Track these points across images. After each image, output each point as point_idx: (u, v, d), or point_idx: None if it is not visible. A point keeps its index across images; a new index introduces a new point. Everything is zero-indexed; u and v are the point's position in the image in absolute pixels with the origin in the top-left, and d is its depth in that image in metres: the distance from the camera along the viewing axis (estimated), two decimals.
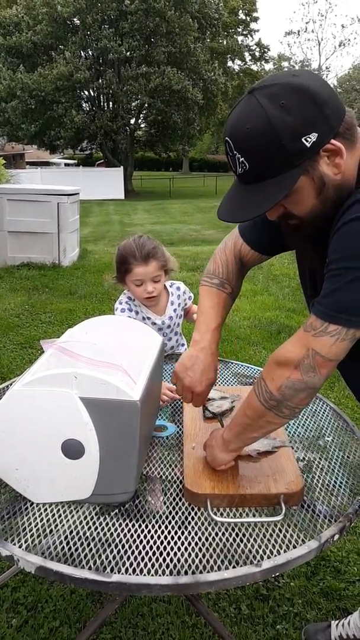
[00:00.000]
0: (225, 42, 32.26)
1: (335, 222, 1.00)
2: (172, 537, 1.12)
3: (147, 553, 1.08)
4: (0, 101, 25.01)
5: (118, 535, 1.13)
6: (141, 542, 1.11)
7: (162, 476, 1.34)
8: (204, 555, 1.07)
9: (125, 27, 23.81)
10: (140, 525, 1.16)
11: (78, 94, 26.40)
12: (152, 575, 1.02)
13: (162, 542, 1.11)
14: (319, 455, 1.44)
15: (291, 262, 6.59)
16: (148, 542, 1.11)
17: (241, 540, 1.11)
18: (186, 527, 1.15)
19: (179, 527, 1.15)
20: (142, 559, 1.06)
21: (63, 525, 1.16)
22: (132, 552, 1.08)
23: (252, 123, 0.94)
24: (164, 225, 13.38)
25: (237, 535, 1.13)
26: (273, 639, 1.72)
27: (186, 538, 1.12)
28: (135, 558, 1.06)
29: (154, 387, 1.36)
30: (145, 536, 1.12)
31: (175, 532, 1.14)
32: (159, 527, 1.15)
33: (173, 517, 1.18)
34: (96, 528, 1.15)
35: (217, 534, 1.13)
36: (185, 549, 1.09)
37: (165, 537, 1.12)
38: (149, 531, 1.14)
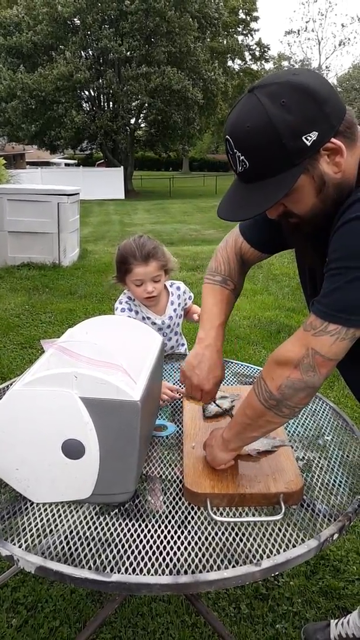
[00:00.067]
0: (225, 42, 32.26)
1: (335, 220, 1.00)
2: (172, 537, 1.12)
3: (146, 553, 1.08)
4: (0, 101, 25.00)
5: (118, 535, 1.13)
6: (141, 541, 1.11)
7: (162, 476, 1.34)
8: (203, 555, 1.07)
9: (126, 27, 23.80)
10: (140, 525, 1.16)
11: (78, 94, 26.39)
12: (152, 574, 1.02)
13: (161, 542, 1.11)
14: (318, 455, 1.44)
15: (291, 261, 6.60)
16: (148, 541, 1.11)
17: (241, 540, 1.11)
18: (186, 527, 1.15)
19: (179, 527, 1.15)
20: (142, 558, 1.06)
21: (63, 525, 1.16)
22: (132, 552, 1.08)
23: (252, 121, 0.94)
24: (164, 225, 13.37)
25: (236, 534, 1.13)
26: (272, 638, 1.73)
27: (186, 538, 1.12)
28: (135, 558, 1.06)
29: (154, 387, 1.36)
30: (145, 536, 1.13)
31: (175, 532, 1.14)
32: (159, 526, 1.15)
33: (173, 517, 1.19)
34: (96, 528, 1.15)
35: (216, 534, 1.13)
36: (185, 548, 1.09)
37: (165, 537, 1.12)
38: (149, 531, 1.14)
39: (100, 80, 25.79)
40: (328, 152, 0.97)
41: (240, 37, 39.81)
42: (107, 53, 24.69)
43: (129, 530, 1.14)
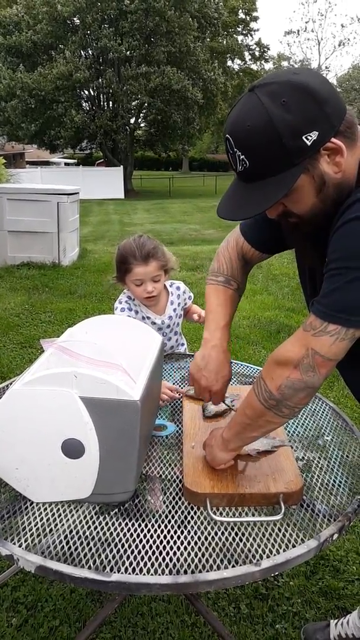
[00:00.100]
0: (225, 42, 32.25)
1: (335, 220, 1.00)
2: (172, 537, 1.12)
3: (146, 552, 1.08)
4: (0, 100, 24.99)
5: (118, 535, 1.13)
6: (141, 541, 1.11)
7: (161, 475, 1.34)
8: (203, 555, 1.07)
9: (125, 27, 23.79)
10: (139, 525, 1.16)
11: (78, 94, 26.40)
12: (152, 574, 1.02)
13: (161, 542, 1.11)
14: (318, 455, 1.44)
15: (290, 261, 6.60)
16: (147, 541, 1.11)
17: (240, 540, 1.11)
18: (185, 527, 1.15)
19: (179, 527, 1.15)
20: (142, 558, 1.06)
21: (63, 524, 1.16)
22: (132, 552, 1.08)
23: (252, 121, 0.94)
24: (163, 225, 13.37)
25: (236, 534, 1.13)
26: (272, 638, 1.73)
27: (185, 537, 1.12)
28: (135, 557, 1.06)
29: (153, 387, 1.36)
30: (144, 535, 1.13)
31: (175, 532, 1.14)
32: (159, 526, 1.15)
33: (172, 517, 1.19)
34: (96, 527, 1.15)
35: (216, 534, 1.13)
36: (185, 548, 1.09)
37: (165, 537, 1.12)
38: (149, 530, 1.14)
39: (100, 80, 25.79)
40: (328, 152, 0.97)
41: (240, 37, 39.85)
42: (107, 52, 24.70)
43: (128, 530, 1.14)
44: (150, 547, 1.09)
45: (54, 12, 23.48)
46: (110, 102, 27.39)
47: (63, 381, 1.12)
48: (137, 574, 1.02)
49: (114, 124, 26.28)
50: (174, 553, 1.08)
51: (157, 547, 1.09)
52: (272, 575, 1.20)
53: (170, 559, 1.06)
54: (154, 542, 1.11)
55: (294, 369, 1.04)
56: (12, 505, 1.22)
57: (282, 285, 6.16)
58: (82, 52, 25.64)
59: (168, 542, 1.11)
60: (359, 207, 0.96)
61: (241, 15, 39.25)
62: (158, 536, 1.12)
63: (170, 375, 1.90)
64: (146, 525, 1.16)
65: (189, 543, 1.10)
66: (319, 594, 1.91)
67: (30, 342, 4.33)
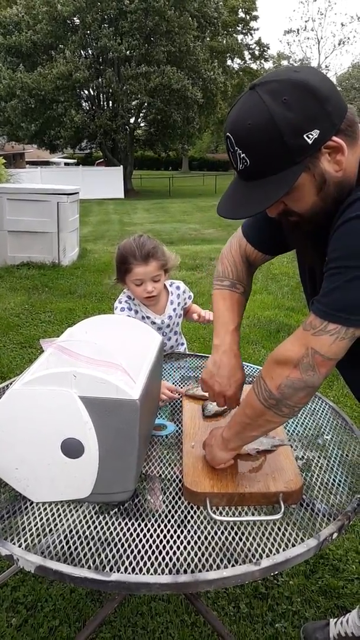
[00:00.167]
0: (224, 41, 32.24)
1: (335, 219, 1.00)
2: (172, 536, 1.12)
3: (146, 552, 1.08)
4: (0, 100, 24.99)
5: (117, 534, 1.13)
6: (140, 541, 1.11)
7: (161, 475, 1.34)
8: (203, 554, 1.07)
9: (125, 26, 23.79)
10: (139, 524, 1.16)
11: (78, 93, 26.39)
12: (152, 574, 1.02)
13: (161, 541, 1.11)
14: (318, 454, 1.44)
15: (290, 261, 6.60)
16: (147, 541, 1.11)
17: (240, 539, 1.11)
18: (185, 526, 1.15)
19: (178, 526, 1.15)
20: (142, 557, 1.06)
21: (62, 524, 1.16)
22: (132, 551, 1.08)
23: (253, 119, 0.94)
24: (163, 225, 13.37)
25: (236, 533, 1.13)
26: (272, 637, 1.73)
27: (185, 537, 1.12)
28: (135, 557, 1.06)
29: (153, 386, 1.36)
30: (144, 535, 1.13)
31: (175, 531, 1.14)
32: (158, 526, 1.15)
33: (172, 516, 1.19)
34: (95, 527, 1.15)
35: (216, 533, 1.13)
36: (185, 547, 1.09)
37: (165, 536, 1.12)
38: (148, 530, 1.14)
39: (100, 80, 25.79)
40: (329, 151, 0.97)
41: (239, 37, 39.85)
42: (107, 52, 24.68)
43: (128, 529, 1.14)
44: (150, 546, 1.09)
45: (54, 12, 23.47)
46: (110, 102, 27.38)
47: (62, 381, 1.12)
48: (136, 573, 1.02)
49: (114, 123, 26.27)
50: (174, 552, 1.08)
51: (157, 547, 1.09)
52: (272, 574, 1.21)
53: (170, 559, 1.06)
54: (154, 541, 1.11)
55: (293, 368, 1.04)
56: (11, 505, 1.22)
57: (282, 285, 6.16)
58: (82, 51, 25.65)
59: (168, 542, 1.11)
60: (359, 205, 0.96)
61: (241, 14, 39.26)
62: (158, 536, 1.12)
63: (170, 375, 1.90)
64: (146, 525, 1.16)
65: (188, 542, 1.10)
66: (318, 593, 1.91)
67: (30, 342, 4.33)
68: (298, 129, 0.92)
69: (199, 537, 1.12)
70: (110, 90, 25.91)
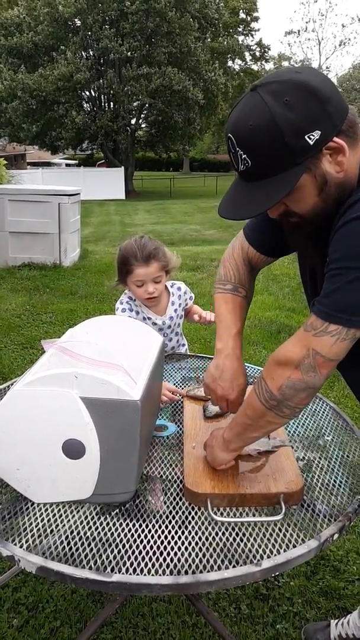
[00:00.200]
0: (225, 42, 32.20)
1: (336, 220, 1.00)
2: (173, 537, 1.12)
3: (147, 553, 1.08)
4: (1, 102, 25.02)
5: (119, 535, 1.13)
6: (141, 541, 1.11)
7: (162, 476, 1.34)
8: (204, 555, 1.07)
9: (126, 28, 23.82)
10: (140, 525, 1.16)
11: (79, 95, 26.42)
12: (153, 575, 1.02)
13: (162, 542, 1.11)
14: (318, 455, 1.44)
15: (291, 261, 6.59)
16: (148, 541, 1.11)
17: (241, 540, 1.12)
18: (186, 527, 1.15)
19: (179, 527, 1.15)
20: (143, 558, 1.06)
21: (64, 525, 1.16)
22: (133, 552, 1.08)
23: (255, 120, 0.94)
24: (164, 226, 13.38)
25: (237, 534, 1.13)
26: (273, 638, 1.73)
27: (186, 538, 1.12)
28: (136, 558, 1.06)
29: (154, 387, 1.36)
30: (145, 536, 1.13)
31: (176, 532, 1.14)
32: (160, 526, 1.15)
33: (173, 517, 1.19)
34: (97, 528, 1.15)
35: (217, 534, 1.13)
36: (186, 548, 1.09)
37: (166, 537, 1.12)
38: (150, 531, 1.14)
39: (101, 81, 25.81)
40: (330, 151, 0.97)
41: (240, 38, 39.85)
42: (108, 53, 24.71)
43: (129, 530, 1.14)
44: (151, 547, 1.09)
45: (55, 13, 23.50)
46: (111, 103, 27.40)
47: (64, 382, 1.13)
48: (138, 574, 1.02)
49: (115, 124, 26.29)
50: (175, 553, 1.08)
51: (158, 548, 1.09)
52: (273, 575, 1.20)
53: (171, 560, 1.06)
54: (155, 542, 1.11)
55: (294, 369, 1.04)
56: (13, 506, 1.22)
57: (283, 286, 6.16)
58: (83, 53, 25.68)
59: (169, 543, 1.11)
60: None
61: (242, 15, 39.29)
62: (159, 536, 1.12)
63: (171, 376, 1.90)
64: (147, 526, 1.16)
65: (189, 543, 1.11)
66: (319, 594, 1.91)
67: (31, 342, 4.33)
68: (299, 129, 0.92)
69: (200, 538, 1.12)
70: (112, 92, 25.92)
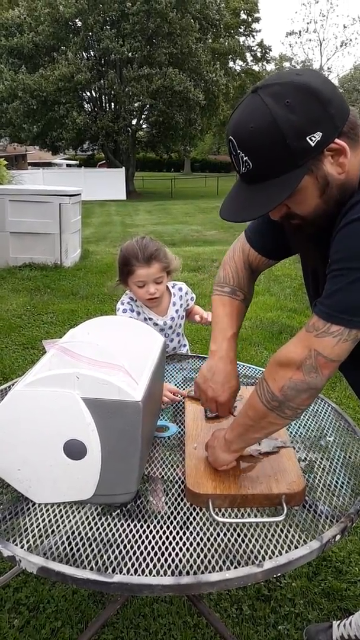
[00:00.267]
0: (226, 43, 32.22)
1: (337, 221, 1.00)
2: (174, 538, 1.12)
3: (148, 553, 1.08)
4: (2, 102, 25.05)
5: (120, 536, 1.13)
6: (143, 542, 1.11)
7: (163, 476, 1.34)
8: (205, 556, 1.07)
9: (127, 28, 23.84)
10: (142, 526, 1.16)
11: (80, 95, 26.45)
12: (154, 575, 1.02)
13: (163, 543, 1.11)
14: (320, 456, 1.44)
15: (292, 262, 6.59)
16: (150, 542, 1.11)
17: (243, 541, 1.11)
18: (188, 528, 1.15)
19: (181, 528, 1.15)
20: (144, 559, 1.06)
21: (65, 525, 1.16)
22: (134, 553, 1.08)
23: (256, 122, 0.94)
24: (165, 226, 13.38)
25: (238, 535, 1.13)
26: (275, 639, 1.72)
27: (188, 538, 1.12)
28: (137, 558, 1.06)
29: (155, 388, 1.36)
30: (147, 537, 1.12)
31: (177, 533, 1.14)
32: (161, 527, 1.15)
33: (175, 518, 1.18)
34: (98, 528, 1.15)
35: (218, 535, 1.13)
36: (187, 549, 1.09)
37: (167, 538, 1.12)
38: (151, 532, 1.14)
39: (102, 81, 25.83)
40: (332, 153, 0.97)
41: (241, 38, 39.85)
42: (109, 54, 24.74)
43: (130, 531, 1.14)
44: (153, 548, 1.09)
45: (56, 13, 23.53)
46: (112, 104, 27.43)
47: (65, 382, 1.12)
48: (139, 575, 1.02)
49: (116, 125, 26.31)
50: (176, 554, 1.08)
51: (159, 548, 1.09)
52: (275, 576, 1.20)
53: (173, 560, 1.06)
54: (156, 543, 1.11)
55: (296, 370, 1.04)
56: (14, 506, 1.22)
57: (284, 286, 6.16)
58: (84, 53, 25.70)
59: (170, 543, 1.11)
60: None
61: (243, 16, 39.30)
62: (160, 537, 1.12)
63: (172, 377, 1.90)
64: (148, 527, 1.15)
65: (191, 544, 1.10)
66: (321, 595, 1.90)
67: (33, 343, 4.33)
68: (301, 131, 0.92)
69: (201, 539, 1.12)
70: (112, 92, 25.95)
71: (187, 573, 1.03)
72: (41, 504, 1.22)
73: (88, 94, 27.07)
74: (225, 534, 1.13)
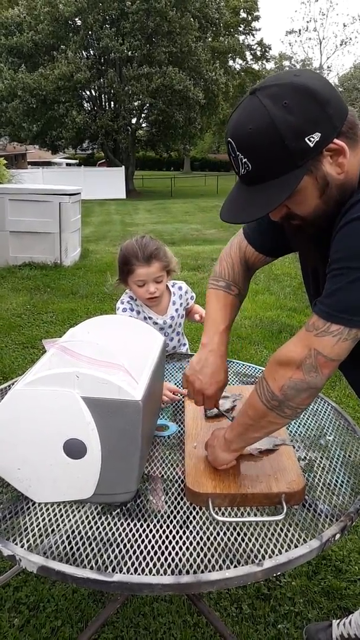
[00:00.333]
0: (226, 42, 32.18)
1: (337, 221, 1.00)
2: (174, 537, 1.12)
3: (148, 552, 1.08)
4: (1, 101, 25.02)
5: (120, 535, 1.13)
6: (142, 541, 1.11)
7: (163, 476, 1.34)
8: (205, 555, 1.07)
9: (127, 27, 23.81)
10: (141, 525, 1.16)
11: (79, 94, 26.41)
12: (154, 574, 1.02)
13: (163, 542, 1.11)
14: (320, 455, 1.44)
15: (292, 261, 6.59)
16: (149, 541, 1.11)
17: (242, 540, 1.11)
18: (187, 527, 1.15)
19: (181, 527, 1.15)
20: (144, 558, 1.06)
21: (65, 524, 1.16)
22: (134, 552, 1.08)
23: (254, 123, 0.94)
24: (165, 225, 13.38)
25: (238, 534, 1.13)
26: (274, 638, 1.73)
27: (187, 537, 1.12)
28: (137, 557, 1.06)
29: (155, 387, 1.36)
30: (146, 536, 1.13)
31: (177, 532, 1.14)
32: (161, 526, 1.15)
33: (174, 517, 1.19)
34: (98, 528, 1.15)
35: (218, 534, 1.13)
36: (187, 548, 1.09)
37: (167, 537, 1.12)
38: (151, 531, 1.14)
39: (102, 80, 25.81)
40: (331, 153, 0.97)
41: (241, 37, 39.82)
42: (108, 53, 24.71)
43: (130, 530, 1.14)
44: (152, 547, 1.09)
45: (56, 12, 23.49)
46: (112, 103, 27.41)
47: (65, 381, 1.13)
48: (139, 574, 1.02)
49: (116, 124, 26.29)
50: (176, 553, 1.08)
51: (159, 548, 1.09)
52: (274, 575, 1.20)
53: (172, 559, 1.06)
54: (156, 542, 1.11)
55: (296, 369, 1.04)
56: (14, 505, 1.22)
57: (284, 285, 6.16)
58: (83, 52, 25.68)
59: (170, 543, 1.11)
60: None
61: (242, 14, 39.26)
62: (160, 536, 1.12)
63: (172, 376, 1.90)
64: (148, 526, 1.16)
65: (191, 543, 1.10)
66: (321, 594, 1.91)
67: (32, 342, 4.33)
68: (299, 132, 0.93)
69: (201, 538, 1.12)
70: (112, 91, 25.92)
71: (187, 572, 1.03)
72: (41, 503, 1.22)
73: (88, 92, 27.04)
74: (225, 533, 1.13)
